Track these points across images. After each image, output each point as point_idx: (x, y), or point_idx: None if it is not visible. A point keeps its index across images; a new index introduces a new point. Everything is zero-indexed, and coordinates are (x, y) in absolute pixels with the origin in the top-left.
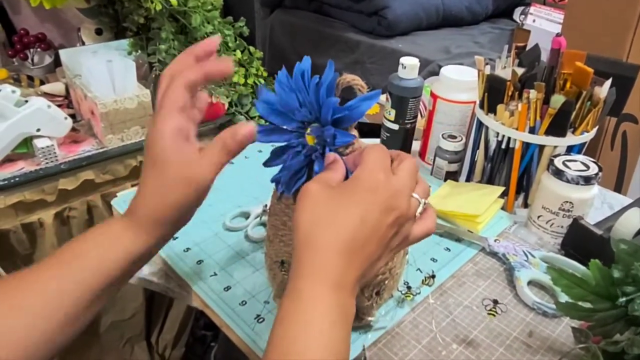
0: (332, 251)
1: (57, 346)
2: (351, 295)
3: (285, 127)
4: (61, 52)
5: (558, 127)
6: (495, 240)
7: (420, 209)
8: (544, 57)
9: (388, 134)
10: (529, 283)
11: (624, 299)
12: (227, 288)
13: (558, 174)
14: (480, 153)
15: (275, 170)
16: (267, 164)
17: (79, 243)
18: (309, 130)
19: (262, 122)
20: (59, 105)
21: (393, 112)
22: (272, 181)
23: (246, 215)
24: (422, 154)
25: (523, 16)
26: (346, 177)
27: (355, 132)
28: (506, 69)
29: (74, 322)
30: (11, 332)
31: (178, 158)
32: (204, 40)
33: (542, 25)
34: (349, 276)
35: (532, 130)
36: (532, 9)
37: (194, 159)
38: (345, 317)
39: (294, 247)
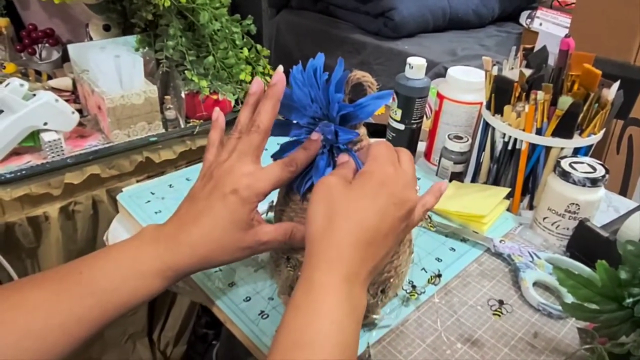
0: (348, 243)
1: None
2: (363, 289)
3: (296, 122)
4: (69, 47)
5: (565, 128)
6: (500, 241)
7: (424, 205)
8: (551, 60)
9: (394, 134)
10: (534, 284)
11: (630, 300)
12: (232, 284)
13: (564, 175)
14: (486, 154)
15: None
16: (275, 157)
17: (105, 273)
18: (317, 128)
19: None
20: (66, 100)
21: (399, 112)
22: None
23: None
24: (427, 155)
25: (530, 20)
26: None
27: (363, 130)
28: (513, 70)
29: (88, 340)
30: (25, 352)
31: (251, 216)
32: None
33: (549, 28)
34: (363, 269)
35: (539, 132)
36: (539, 13)
37: (262, 227)
38: (356, 310)
39: (307, 239)
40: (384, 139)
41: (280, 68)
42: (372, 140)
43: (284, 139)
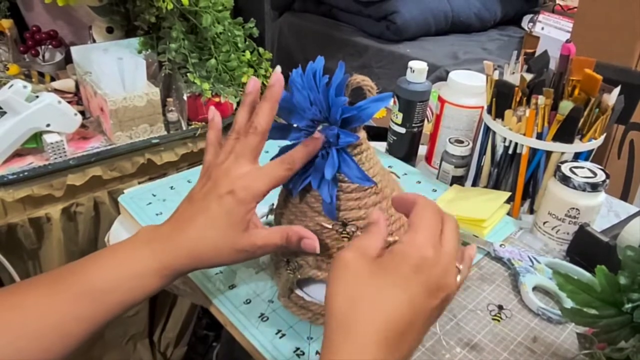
0: (371, 340)
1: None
2: None
3: (296, 125)
4: (72, 49)
5: (566, 133)
6: (500, 245)
7: (460, 277)
8: (553, 65)
9: (395, 137)
10: (534, 288)
11: (629, 305)
12: (232, 286)
13: (565, 180)
14: (487, 158)
15: None
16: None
17: (101, 274)
18: (319, 130)
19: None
20: (68, 102)
21: (400, 115)
22: None
23: None
24: (428, 159)
25: (532, 24)
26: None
27: (363, 134)
28: (514, 74)
29: (85, 343)
30: (22, 352)
31: (248, 217)
32: (249, 89)
33: (551, 33)
34: None
35: (540, 136)
36: (541, 17)
37: (258, 232)
38: None
39: (325, 324)
40: (432, 200)
41: (278, 69)
42: (374, 144)
43: (283, 142)
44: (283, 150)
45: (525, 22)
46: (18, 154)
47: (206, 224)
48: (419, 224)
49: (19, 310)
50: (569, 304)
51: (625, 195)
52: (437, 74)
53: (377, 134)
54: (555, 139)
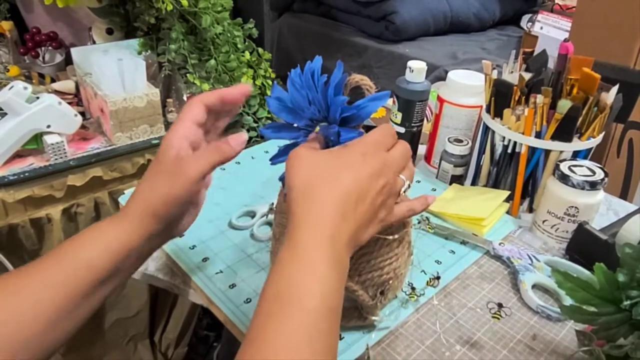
0: (328, 204)
1: (47, 345)
2: (346, 251)
3: (295, 124)
4: (73, 50)
5: (564, 132)
6: (500, 244)
7: (404, 188)
8: (551, 64)
9: None
10: (533, 286)
11: (628, 302)
12: (232, 285)
13: (564, 178)
14: (486, 157)
15: (282, 170)
16: (273, 159)
17: (71, 241)
18: (317, 129)
19: (269, 122)
20: (69, 103)
21: (399, 115)
22: (280, 179)
23: (252, 215)
24: (428, 158)
25: (530, 23)
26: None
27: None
28: (513, 73)
29: (66, 318)
30: (1, 326)
31: (174, 153)
32: (234, 86)
33: (550, 32)
34: (344, 230)
35: (539, 135)
36: (539, 16)
37: (188, 155)
38: (340, 268)
39: (287, 205)
40: (389, 124)
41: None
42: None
43: (283, 142)
44: (282, 150)
45: (524, 22)
46: (19, 155)
47: (153, 167)
48: (373, 131)
49: (29, 291)
50: (568, 301)
51: (624, 194)
52: (437, 74)
53: None
54: (554, 137)
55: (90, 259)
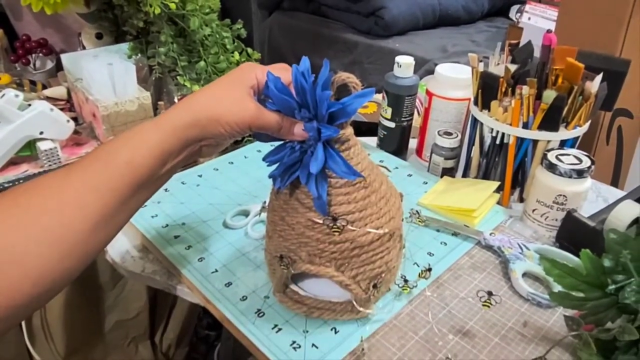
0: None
1: (90, 249)
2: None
3: None
4: (63, 56)
5: (551, 122)
6: (490, 234)
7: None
8: (538, 53)
9: (385, 132)
10: (524, 275)
11: (614, 286)
12: (228, 284)
13: (551, 167)
14: (476, 149)
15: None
16: (266, 159)
17: (112, 142)
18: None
19: None
20: (61, 109)
21: (389, 110)
22: (269, 177)
23: (246, 214)
24: (419, 151)
25: (519, 14)
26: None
27: (350, 130)
28: (499, 65)
29: (107, 222)
30: (47, 230)
31: (253, 85)
32: None
33: (538, 22)
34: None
35: (526, 126)
36: (527, 7)
37: (259, 106)
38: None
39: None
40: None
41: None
42: (363, 139)
43: (277, 143)
44: (274, 150)
45: (512, 13)
46: (13, 162)
47: (224, 84)
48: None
49: (38, 190)
50: (557, 288)
51: (615, 181)
52: (427, 68)
53: (369, 129)
54: (541, 127)
55: (137, 161)
